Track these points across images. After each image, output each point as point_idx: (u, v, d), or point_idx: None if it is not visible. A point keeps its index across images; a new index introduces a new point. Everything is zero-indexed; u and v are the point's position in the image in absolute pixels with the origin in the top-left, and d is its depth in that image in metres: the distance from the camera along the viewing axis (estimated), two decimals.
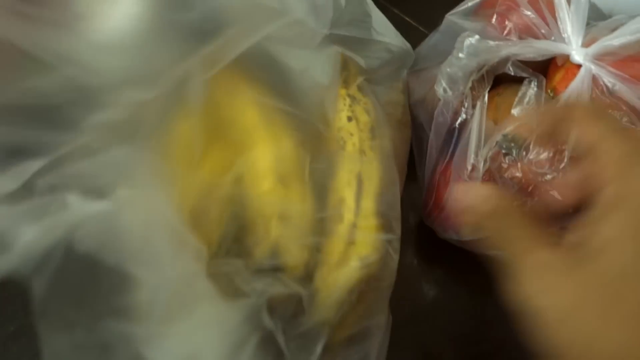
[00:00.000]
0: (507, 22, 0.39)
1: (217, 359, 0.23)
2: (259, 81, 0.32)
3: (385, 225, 0.33)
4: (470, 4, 0.43)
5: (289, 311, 0.27)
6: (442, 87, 0.37)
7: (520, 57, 0.38)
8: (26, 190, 0.25)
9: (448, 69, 0.37)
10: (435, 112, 0.38)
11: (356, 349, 0.28)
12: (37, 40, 0.28)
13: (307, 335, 0.27)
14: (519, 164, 0.35)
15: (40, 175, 0.25)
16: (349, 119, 0.38)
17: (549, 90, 0.40)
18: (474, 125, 0.37)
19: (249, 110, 0.34)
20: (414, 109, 0.44)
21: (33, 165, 0.26)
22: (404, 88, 0.45)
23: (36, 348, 0.41)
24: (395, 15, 0.50)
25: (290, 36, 0.32)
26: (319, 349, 0.26)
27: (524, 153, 0.35)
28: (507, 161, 0.36)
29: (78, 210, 0.22)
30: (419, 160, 0.43)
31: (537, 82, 0.38)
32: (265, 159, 0.32)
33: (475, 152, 0.35)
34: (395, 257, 0.32)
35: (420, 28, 0.57)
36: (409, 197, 0.46)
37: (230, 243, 0.28)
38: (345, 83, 0.39)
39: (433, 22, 0.55)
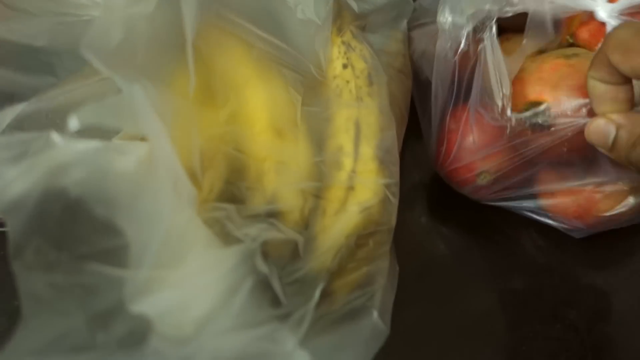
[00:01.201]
0: None
1: (210, 305, 0.22)
2: (249, 19, 0.31)
3: (383, 170, 0.32)
4: None
5: (284, 257, 0.26)
6: (443, 15, 0.35)
7: (540, 14, 0.35)
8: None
9: (450, 3, 0.35)
10: (437, 47, 0.36)
11: (358, 293, 0.27)
12: None
13: (304, 281, 0.26)
14: None
15: (26, 118, 0.24)
16: (344, 66, 0.37)
17: (567, 36, 0.38)
18: (489, 61, 0.34)
19: (241, 61, 0.33)
20: (418, 63, 0.43)
21: (17, 108, 0.25)
22: (404, 38, 0.44)
23: None
24: None
25: None
26: (317, 293, 0.25)
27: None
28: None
29: (63, 150, 0.20)
30: (423, 114, 0.42)
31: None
32: (257, 100, 0.31)
33: (501, 90, 0.34)
34: (394, 201, 0.31)
35: None
36: (413, 154, 0.45)
37: (223, 185, 0.27)
38: (339, 30, 0.38)
39: None
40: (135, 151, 0.22)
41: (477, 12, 0.34)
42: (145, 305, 0.20)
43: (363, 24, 0.40)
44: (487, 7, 0.34)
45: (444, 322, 0.38)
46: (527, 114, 0.34)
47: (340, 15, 0.38)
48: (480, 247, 0.42)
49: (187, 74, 0.27)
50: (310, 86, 0.34)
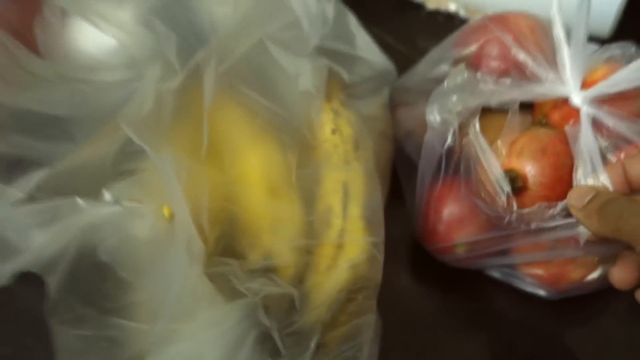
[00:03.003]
0: (493, 62, 0.42)
1: (220, 356, 0.24)
2: (251, 82, 0.33)
3: (370, 229, 0.35)
4: (451, 39, 0.45)
5: (282, 310, 0.28)
6: (432, 115, 0.38)
7: (518, 101, 0.39)
8: (33, 198, 0.26)
9: (438, 103, 0.38)
10: (425, 139, 0.39)
11: (349, 345, 0.29)
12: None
13: (300, 333, 0.28)
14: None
15: (47, 183, 0.26)
16: (333, 131, 0.40)
17: (540, 117, 0.41)
18: (480, 157, 0.38)
19: (244, 126, 0.35)
20: (403, 141, 0.46)
21: (39, 174, 0.27)
22: (385, 103, 0.47)
23: None
24: (376, 35, 0.52)
25: (287, 38, 0.34)
26: (312, 345, 0.28)
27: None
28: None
29: (89, 213, 0.23)
30: (406, 183, 0.45)
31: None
32: (257, 162, 0.33)
33: (503, 189, 0.37)
34: (380, 257, 0.34)
35: (400, 48, 0.59)
36: (394, 212, 0.48)
37: (226, 242, 0.29)
38: (328, 97, 0.41)
39: (413, 42, 0.58)
40: (151, 215, 0.25)
41: (463, 109, 0.38)
42: (163, 357, 0.22)
43: (350, 91, 0.44)
44: (473, 104, 0.37)
45: None
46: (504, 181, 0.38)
47: (329, 84, 0.42)
48: (456, 302, 0.45)
49: (198, 136, 0.30)
50: (303, 150, 0.37)
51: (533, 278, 0.42)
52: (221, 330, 0.24)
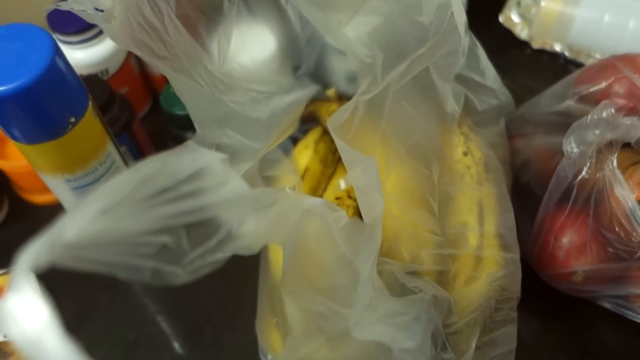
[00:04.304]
0: (621, 100, 0.43)
1: (412, 344, 0.26)
2: (413, 100, 0.36)
3: (506, 246, 0.36)
4: (573, 76, 0.48)
5: (443, 311, 0.31)
6: (570, 145, 0.40)
7: None
8: None
9: (577, 135, 0.40)
10: (558, 168, 0.41)
11: (498, 351, 0.31)
12: None
13: (461, 333, 0.30)
14: None
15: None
16: (465, 153, 0.42)
17: None
18: (614, 182, 0.39)
19: (397, 137, 0.38)
20: (519, 170, 0.48)
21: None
22: (502, 132, 0.50)
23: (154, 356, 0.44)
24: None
25: (445, 64, 0.36)
26: (473, 344, 0.30)
27: None
28: None
29: (300, 202, 0.25)
30: (521, 213, 0.46)
31: None
32: (404, 177, 0.36)
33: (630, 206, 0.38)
34: (519, 272, 0.35)
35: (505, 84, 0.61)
36: None
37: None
38: (459, 122, 0.44)
39: (517, 79, 0.59)
40: (344, 214, 0.28)
41: (600, 142, 0.39)
42: (367, 334, 0.24)
43: (475, 118, 0.46)
44: (610, 136, 0.39)
45: None
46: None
47: (463, 110, 0.44)
48: (560, 331, 0.45)
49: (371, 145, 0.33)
50: (442, 168, 0.39)
51: None
52: (406, 319, 0.26)
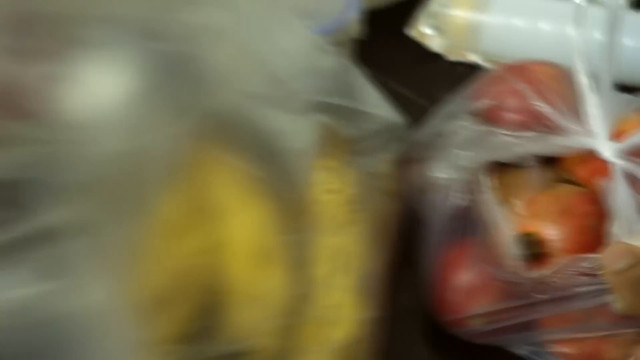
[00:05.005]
0: (511, 115, 0.39)
1: None
2: (236, 144, 0.32)
3: (363, 303, 0.31)
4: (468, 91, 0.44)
5: None
6: (438, 175, 0.37)
7: (538, 154, 0.37)
8: None
9: (444, 159, 0.37)
10: (429, 199, 0.38)
11: None
12: None
13: None
14: None
15: None
16: (328, 192, 0.37)
17: (563, 173, 0.38)
18: (492, 217, 0.36)
19: (229, 187, 0.33)
20: (419, 201, 0.44)
21: None
22: (393, 159, 0.45)
23: None
24: (393, 89, 0.50)
25: (275, 97, 0.33)
26: None
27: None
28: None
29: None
30: (418, 251, 0.42)
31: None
32: (240, 227, 0.31)
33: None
34: (374, 337, 0.30)
35: (419, 102, 0.57)
36: (406, 279, 0.44)
37: (203, 318, 0.27)
38: (328, 155, 0.39)
39: (432, 95, 0.55)
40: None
41: (471, 164, 0.36)
42: None
43: (355, 148, 0.41)
44: (481, 158, 0.36)
45: None
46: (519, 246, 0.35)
47: (330, 138, 0.39)
48: None
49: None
50: (293, 213, 0.34)
51: (562, 358, 0.37)
52: None
